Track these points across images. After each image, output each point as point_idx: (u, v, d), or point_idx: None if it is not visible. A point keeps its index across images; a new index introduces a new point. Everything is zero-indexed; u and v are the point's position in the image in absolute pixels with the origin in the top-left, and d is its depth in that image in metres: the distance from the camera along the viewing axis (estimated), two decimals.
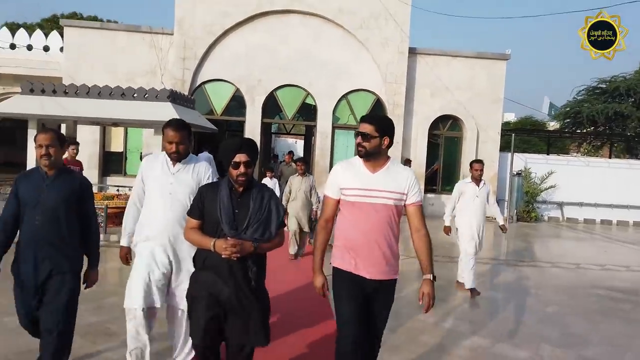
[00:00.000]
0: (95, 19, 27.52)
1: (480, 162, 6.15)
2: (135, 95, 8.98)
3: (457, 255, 8.76)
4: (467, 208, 6.04)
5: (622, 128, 19.54)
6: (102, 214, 8.03)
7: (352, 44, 13.25)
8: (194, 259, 2.85)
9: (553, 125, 25.63)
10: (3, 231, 2.97)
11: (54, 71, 13.36)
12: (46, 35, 14.33)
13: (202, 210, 2.75)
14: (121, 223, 3.40)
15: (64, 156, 5.24)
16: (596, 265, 8.44)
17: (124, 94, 8.95)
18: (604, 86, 20.34)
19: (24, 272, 2.92)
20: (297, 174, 7.58)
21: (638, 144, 19.66)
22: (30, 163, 8.44)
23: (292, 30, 13.13)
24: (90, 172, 12.49)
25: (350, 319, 2.65)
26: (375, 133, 2.68)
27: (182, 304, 3.12)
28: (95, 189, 11.50)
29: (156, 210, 3.15)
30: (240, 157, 2.68)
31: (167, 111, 8.32)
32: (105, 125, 11.22)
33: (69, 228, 2.99)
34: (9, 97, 13.46)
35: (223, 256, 2.56)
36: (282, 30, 13.08)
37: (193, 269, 2.91)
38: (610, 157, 17.28)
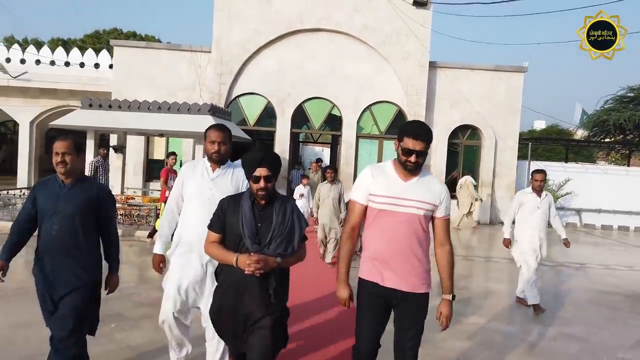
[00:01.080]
0: (134, 34, 29.26)
1: (542, 172, 5.78)
2: (179, 109, 10.13)
3: (473, 255, 9.52)
4: (527, 220, 5.72)
5: None
6: (152, 214, 9.21)
7: (376, 59, 14.15)
8: (216, 274, 2.79)
9: (582, 134, 25.69)
10: (17, 233, 2.95)
11: (104, 86, 14.72)
12: (97, 52, 15.71)
13: (224, 223, 2.67)
14: None
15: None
16: (600, 265, 9.05)
17: (169, 108, 10.12)
18: (633, 94, 20.39)
19: (42, 281, 2.90)
20: (326, 182, 7.62)
21: None
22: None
23: (320, 47, 14.13)
24: (135, 178, 13.77)
25: (365, 332, 2.66)
26: (427, 148, 2.61)
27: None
28: (139, 193, 12.72)
29: (194, 216, 3.16)
30: (260, 172, 2.59)
31: (207, 123, 9.35)
32: (152, 135, 12.41)
33: (86, 237, 2.92)
34: (67, 109, 14.93)
35: (246, 272, 2.46)
36: (310, 47, 14.11)
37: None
38: (628, 165, 17.53)
